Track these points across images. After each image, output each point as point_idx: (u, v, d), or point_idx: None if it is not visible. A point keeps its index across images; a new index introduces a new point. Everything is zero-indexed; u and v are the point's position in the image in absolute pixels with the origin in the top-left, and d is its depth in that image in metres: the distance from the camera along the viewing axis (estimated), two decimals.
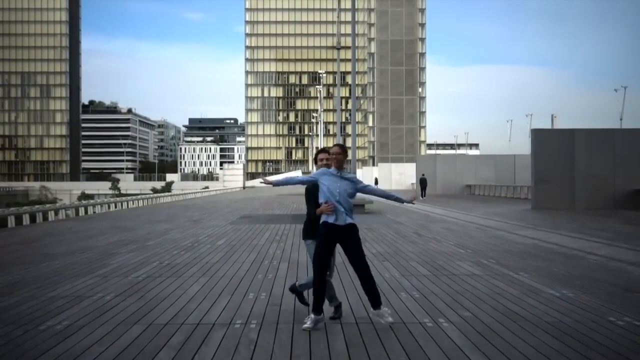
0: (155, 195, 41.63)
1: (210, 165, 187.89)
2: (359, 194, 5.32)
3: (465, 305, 5.80)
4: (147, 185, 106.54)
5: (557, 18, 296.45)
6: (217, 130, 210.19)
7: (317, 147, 68.92)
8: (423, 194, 32.90)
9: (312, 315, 4.95)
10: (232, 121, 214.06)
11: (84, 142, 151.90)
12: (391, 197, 5.43)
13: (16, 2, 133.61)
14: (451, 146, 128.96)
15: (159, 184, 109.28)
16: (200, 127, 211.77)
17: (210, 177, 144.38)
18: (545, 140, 22.47)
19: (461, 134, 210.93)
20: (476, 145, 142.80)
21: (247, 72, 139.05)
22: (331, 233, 5.00)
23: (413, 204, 5.45)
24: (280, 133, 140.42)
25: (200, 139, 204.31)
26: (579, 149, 21.93)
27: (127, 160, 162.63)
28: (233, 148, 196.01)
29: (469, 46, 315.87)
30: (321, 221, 5.05)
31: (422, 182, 33.80)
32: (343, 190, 5.00)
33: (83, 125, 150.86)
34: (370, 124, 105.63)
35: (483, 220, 16.62)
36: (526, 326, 4.99)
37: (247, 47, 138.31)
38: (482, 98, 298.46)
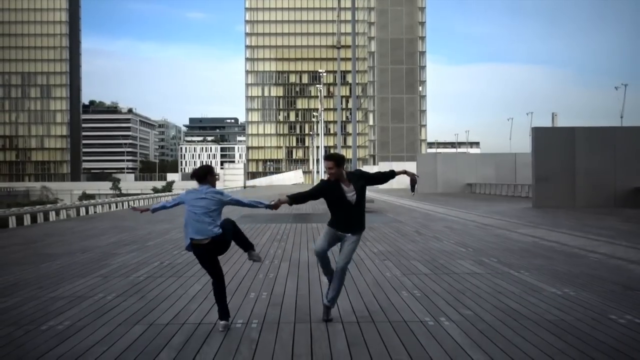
0: (156, 194, 41.65)
1: (211, 164, 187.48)
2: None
3: (467, 304, 5.80)
4: (148, 185, 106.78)
5: (558, 16, 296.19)
6: (217, 130, 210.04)
7: (317, 147, 68.81)
8: (413, 191, 36.12)
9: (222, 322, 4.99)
10: (232, 121, 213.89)
11: (84, 142, 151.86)
12: (258, 205, 5.06)
13: (16, 3, 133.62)
14: (452, 145, 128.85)
15: (159, 184, 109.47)
16: (201, 127, 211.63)
17: None
18: (545, 139, 22.45)
19: (462, 132, 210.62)
20: (477, 144, 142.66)
21: (247, 72, 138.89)
22: (198, 251, 4.98)
23: (272, 208, 4.92)
24: (281, 132, 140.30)
25: (200, 138, 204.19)
26: (580, 147, 21.90)
27: (128, 160, 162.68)
28: (233, 147, 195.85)
29: (469, 45, 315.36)
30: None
31: (412, 180, 35.59)
32: (201, 207, 4.84)
33: (84, 125, 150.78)
34: (371, 122, 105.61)
35: (484, 219, 16.61)
36: (527, 324, 4.99)
37: (247, 47, 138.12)
38: (482, 96, 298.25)
